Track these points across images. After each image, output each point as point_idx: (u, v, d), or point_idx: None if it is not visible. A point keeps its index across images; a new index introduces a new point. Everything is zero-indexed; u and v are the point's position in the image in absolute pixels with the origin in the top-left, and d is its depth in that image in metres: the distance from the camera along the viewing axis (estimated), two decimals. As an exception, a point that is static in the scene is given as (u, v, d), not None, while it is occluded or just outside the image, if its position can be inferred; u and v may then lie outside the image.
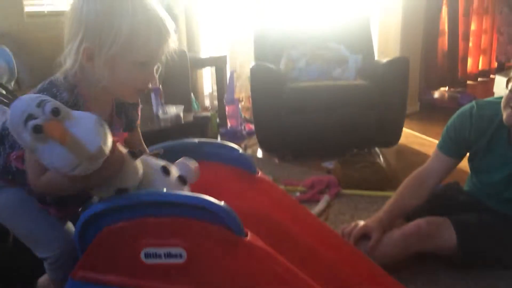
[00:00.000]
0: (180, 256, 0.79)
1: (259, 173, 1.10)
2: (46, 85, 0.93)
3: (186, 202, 0.79)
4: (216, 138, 3.19)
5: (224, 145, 1.06)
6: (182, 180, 0.97)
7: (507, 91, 1.41)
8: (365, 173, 2.24)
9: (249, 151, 3.02)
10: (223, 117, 3.37)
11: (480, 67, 5.06)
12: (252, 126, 3.07)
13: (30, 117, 0.73)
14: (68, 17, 0.92)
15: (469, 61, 4.81)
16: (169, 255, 0.79)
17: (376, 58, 3.16)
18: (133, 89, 0.98)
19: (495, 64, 5.13)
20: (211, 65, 3.47)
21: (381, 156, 2.82)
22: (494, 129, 1.51)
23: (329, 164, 2.56)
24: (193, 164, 1.02)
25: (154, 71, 0.98)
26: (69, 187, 0.84)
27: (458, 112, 1.61)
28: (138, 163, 0.91)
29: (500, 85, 2.82)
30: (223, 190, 0.95)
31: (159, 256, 0.79)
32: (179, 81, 2.76)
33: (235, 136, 3.21)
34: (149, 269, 0.81)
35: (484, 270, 1.52)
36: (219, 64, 3.39)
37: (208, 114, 2.46)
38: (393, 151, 2.91)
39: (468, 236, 1.48)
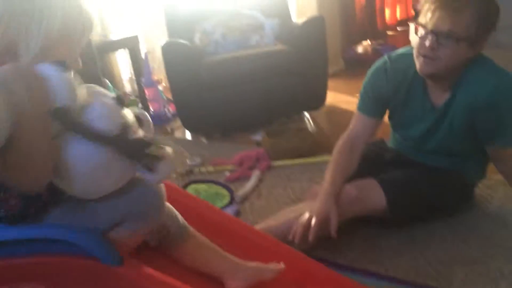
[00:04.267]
0: (48, 300, 0.67)
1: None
2: None
3: (40, 236, 0.66)
4: (140, 124, 3.01)
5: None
6: (119, 100, 0.84)
7: (417, 39, 1.36)
8: (293, 141, 2.18)
9: (176, 134, 2.88)
10: (144, 102, 3.18)
11: (398, 17, 5.12)
12: (176, 107, 2.90)
13: None
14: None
15: (387, 12, 4.84)
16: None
17: (295, 20, 3.07)
18: None
19: (412, 13, 5.21)
20: (123, 47, 3.24)
21: (310, 121, 2.77)
22: (409, 81, 1.47)
23: (259, 136, 2.48)
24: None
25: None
26: None
27: (371, 69, 1.55)
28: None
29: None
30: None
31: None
32: (85, 68, 2.53)
33: (159, 119, 3.05)
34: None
35: (416, 226, 1.51)
36: (131, 45, 3.17)
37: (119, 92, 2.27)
38: (322, 113, 2.87)
39: (396, 194, 1.45)
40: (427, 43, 1.31)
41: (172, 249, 0.95)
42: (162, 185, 0.89)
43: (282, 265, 1.04)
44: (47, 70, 0.73)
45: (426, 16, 1.31)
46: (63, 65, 0.74)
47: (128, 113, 0.85)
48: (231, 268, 0.98)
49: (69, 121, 0.73)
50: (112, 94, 0.85)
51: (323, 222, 1.35)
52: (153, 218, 0.85)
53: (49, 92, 0.71)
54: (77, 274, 0.68)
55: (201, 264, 0.97)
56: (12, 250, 0.67)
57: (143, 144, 0.80)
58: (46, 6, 0.74)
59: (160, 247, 0.95)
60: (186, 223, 0.99)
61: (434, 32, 1.29)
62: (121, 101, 0.83)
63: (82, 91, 0.78)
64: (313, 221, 1.34)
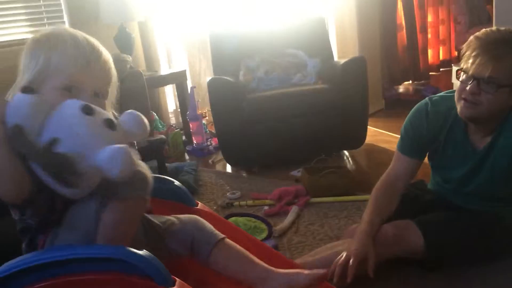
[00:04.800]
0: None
1: (199, 204, 1.04)
2: None
3: (100, 255, 0.72)
4: (183, 157, 3.12)
5: (158, 178, 0.99)
6: (109, 124, 0.85)
7: (459, 83, 1.39)
8: (331, 179, 2.20)
9: (217, 167, 2.96)
10: (188, 134, 3.30)
11: (441, 57, 5.12)
12: (219, 141, 2.99)
13: None
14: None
15: (430, 52, 4.86)
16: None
17: (336, 59, 3.14)
18: None
19: (455, 53, 5.20)
20: (171, 82, 3.40)
21: (349, 159, 2.80)
22: (450, 124, 1.48)
23: (297, 173, 2.52)
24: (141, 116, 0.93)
25: (88, 99, 0.94)
26: None
27: (413, 110, 1.58)
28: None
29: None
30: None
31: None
32: (137, 103, 2.68)
33: (202, 152, 3.15)
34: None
35: (455, 269, 1.49)
36: (179, 80, 3.33)
37: (163, 136, 2.38)
38: (361, 151, 2.88)
39: (434, 236, 1.44)
40: (468, 88, 1.33)
41: (204, 257, 0.99)
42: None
43: (320, 271, 1.03)
44: (15, 96, 0.84)
45: (468, 62, 1.34)
46: (29, 90, 0.84)
47: (96, 119, 0.86)
48: (264, 275, 0.98)
49: (15, 139, 0.80)
50: (79, 103, 0.88)
51: (361, 262, 1.36)
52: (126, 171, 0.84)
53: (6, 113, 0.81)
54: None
55: (233, 271, 0.98)
56: (70, 268, 0.73)
57: (59, 161, 0.80)
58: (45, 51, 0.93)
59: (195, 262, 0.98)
60: (215, 231, 1.02)
61: (475, 78, 1.31)
62: (88, 109, 0.86)
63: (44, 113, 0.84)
64: (351, 261, 1.35)
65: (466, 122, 1.45)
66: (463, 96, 1.36)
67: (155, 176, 0.93)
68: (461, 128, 1.47)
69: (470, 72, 1.33)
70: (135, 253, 0.72)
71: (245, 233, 1.18)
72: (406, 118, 1.59)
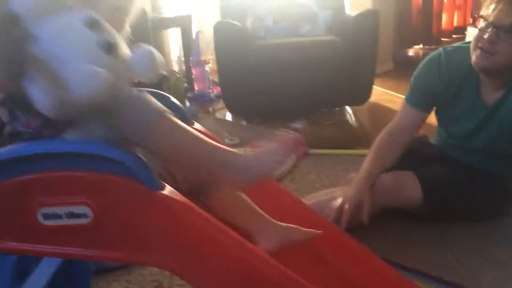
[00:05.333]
0: (85, 215, 0.69)
1: (194, 123, 0.99)
2: None
3: (88, 152, 0.68)
4: (183, 103, 3.06)
5: (153, 93, 0.93)
6: (108, 45, 0.73)
7: (476, 31, 1.32)
8: (333, 131, 2.16)
9: (217, 115, 2.91)
10: (190, 82, 3.23)
11: (455, 23, 4.97)
12: (220, 89, 2.94)
13: None
14: None
15: (444, 17, 4.71)
16: (71, 215, 0.70)
17: (348, 12, 3.03)
18: None
19: (470, 21, 5.04)
20: (176, 25, 3.30)
21: (352, 115, 2.75)
22: (462, 77, 1.43)
23: (298, 125, 2.47)
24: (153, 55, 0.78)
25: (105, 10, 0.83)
26: None
27: (425, 60, 1.52)
28: None
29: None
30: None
31: (60, 216, 0.69)
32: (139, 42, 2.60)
33: (203, 99, 3.09)
34: (50, 232, 0.70)
35: (450, 224, 1.47)
36: (184, 24, 3.23)
37: (165, 72, 2.31)
38: (364, 109, 2.83)
39: (433, 189, 1.41)
40: (486, 36, 1.27)
41: (206, 197, 0.95)
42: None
43: (316, 232, 1.00)
44: None
45: (489, 8, 1.27)
46: None
47: (93, 35, 0.75)
48: (263, 225, 0.95)
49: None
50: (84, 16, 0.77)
51: (356, 208, 1.33)
52: None
53: None
54: (121, 195, 0.70)
55: (232, 217, 0.94)
56: (55, 163, 0.70)
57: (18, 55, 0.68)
58: None
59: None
60: None
61: (495, 25, 1.25)
62: (90, 23, 0.75)
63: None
64: (346, 207, 1.33)
65: (478, 76, 1.40)
66: (479, 44, 1.29)
67: (150, 91, 0.88)
68: (473, 81, 1.41)
69: (490, 19, 1.26)
70: (125, 153, 0.68)
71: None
72: (418, 68, 1.53)
